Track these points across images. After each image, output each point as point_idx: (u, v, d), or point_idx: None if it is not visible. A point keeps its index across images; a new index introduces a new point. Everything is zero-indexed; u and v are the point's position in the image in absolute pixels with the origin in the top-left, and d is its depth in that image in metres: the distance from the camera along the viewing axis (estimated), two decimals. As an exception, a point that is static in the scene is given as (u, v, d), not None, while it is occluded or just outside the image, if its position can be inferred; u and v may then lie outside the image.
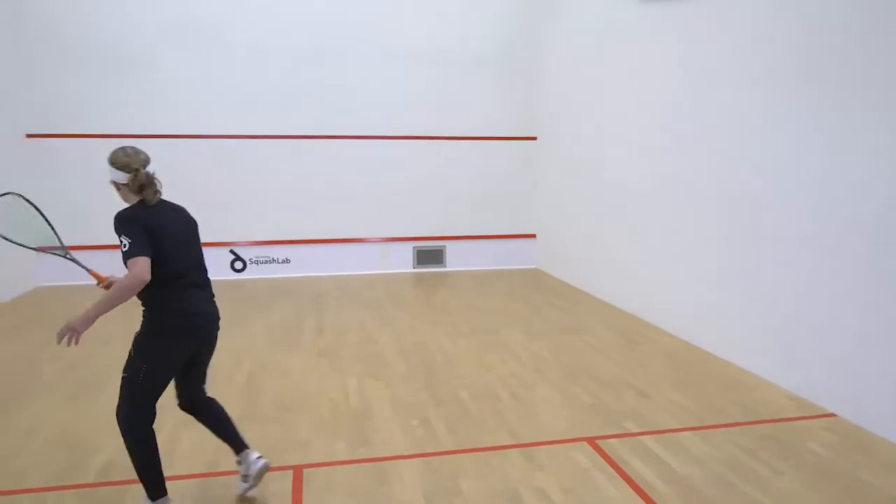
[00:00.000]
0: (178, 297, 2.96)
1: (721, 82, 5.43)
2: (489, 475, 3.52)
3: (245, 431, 3.95)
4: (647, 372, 5.17)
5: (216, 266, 8.71)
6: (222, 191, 8.71)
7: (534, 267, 9.86)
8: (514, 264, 9.81)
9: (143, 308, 2.97)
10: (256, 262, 9.04)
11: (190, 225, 3.13)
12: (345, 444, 3.88)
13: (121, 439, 2.95)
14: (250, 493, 3.27)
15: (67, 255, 3.36)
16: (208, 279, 3.16)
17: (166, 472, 3.08)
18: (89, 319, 2.75)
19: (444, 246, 9.63)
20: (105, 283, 3.15)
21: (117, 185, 2.97)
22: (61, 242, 3.42)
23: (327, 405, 4.48)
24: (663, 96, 6.30)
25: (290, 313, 7.05)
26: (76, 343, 2.78)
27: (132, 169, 2.91)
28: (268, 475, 3.45)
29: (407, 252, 9.53)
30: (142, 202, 2.94)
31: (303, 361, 5.42)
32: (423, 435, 4.01)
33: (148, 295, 2.91)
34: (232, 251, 8.90)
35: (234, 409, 4.30)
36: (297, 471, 3.54)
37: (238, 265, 8.96)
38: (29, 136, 8.11)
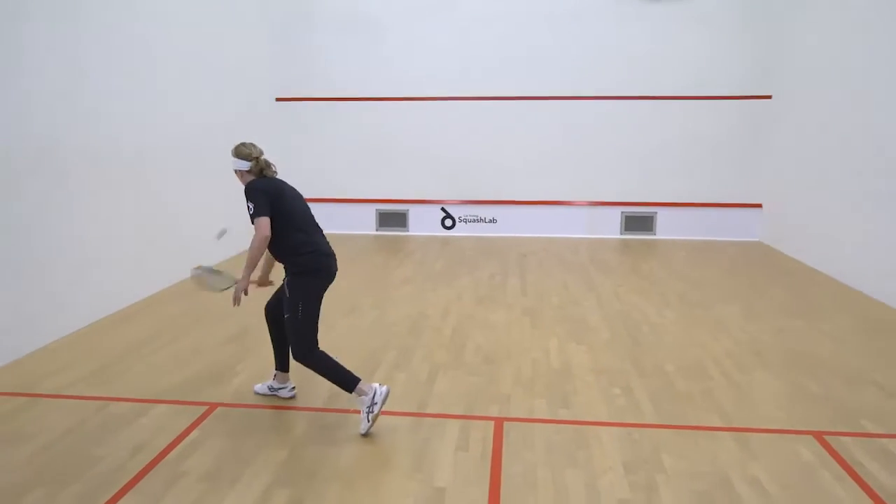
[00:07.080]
0: (312, 242, 3.54)
1: None
2: (695, 455, 3.33)
3: (450, 380, 4.21)
4: (896, 368, 4.47)
5: (429, 223, 9.27)
6: (436, 151, 9.12)
7: (756, 240, 8.97)
8: (734, 236, 9.01)
9: (286, 256, 3.52)
10: (465, 221, 9.38)
11: (297, 191, 3.69)
12: (545, 402, 3.92)
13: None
14: (461, 437, 3.47)
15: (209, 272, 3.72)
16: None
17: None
18: (245, 278, 3.49)
19: (655, 213, 9.14)
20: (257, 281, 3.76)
21: (241, 173, 3.60)
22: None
23: (529, 363, 4.55)
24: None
25: (496, 271, 7.23)
26: (246, 294, 3.54)
27: (252, 158, 3.59)
28: (470, 423, 3.62)
29: (614, 217, 9.22)
30: (262, 176, 3.60)
31: (506, 318, 5.56)
32: (625, 404, 3.90)
33: (283, 245, 3.49)
34: (443, 209, 9.33)
35: (439, 358, 4.60)
36: (498, 422, 3.66)
37: (448, 222, 9.38)
38: (279, 99, 9.21)
